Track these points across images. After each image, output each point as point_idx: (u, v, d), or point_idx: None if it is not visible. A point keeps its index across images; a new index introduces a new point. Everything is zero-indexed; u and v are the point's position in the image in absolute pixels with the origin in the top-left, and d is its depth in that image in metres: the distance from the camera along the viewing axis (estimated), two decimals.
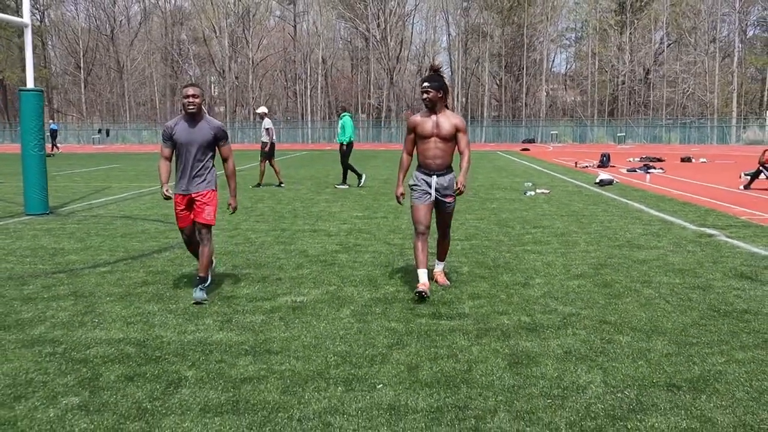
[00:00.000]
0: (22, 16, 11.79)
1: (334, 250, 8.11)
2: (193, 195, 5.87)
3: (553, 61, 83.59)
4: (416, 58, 77.36)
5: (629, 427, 3.41)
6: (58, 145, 46.15)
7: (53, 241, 8.94)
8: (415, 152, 6.12)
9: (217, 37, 74.08)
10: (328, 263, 7.37)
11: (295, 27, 76.24)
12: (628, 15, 67.65)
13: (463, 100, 72.74)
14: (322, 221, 10.56)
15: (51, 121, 54.08)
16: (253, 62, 71.23)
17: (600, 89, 71.87)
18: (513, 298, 5.87)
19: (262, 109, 17.05)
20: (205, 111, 5.93)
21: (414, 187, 5.98)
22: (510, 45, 72.12)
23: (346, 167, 16.45)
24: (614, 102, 71.26)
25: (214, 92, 79.30)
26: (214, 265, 6.38)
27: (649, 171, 21.53)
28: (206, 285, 5.89)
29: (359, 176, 16.47)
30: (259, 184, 16.68)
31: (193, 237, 6.04)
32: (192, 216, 5.93)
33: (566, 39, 79.46)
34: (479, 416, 3.54)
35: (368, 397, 3.76)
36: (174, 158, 5.96)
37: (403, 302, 5.76)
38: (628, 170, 22.55)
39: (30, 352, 4.56)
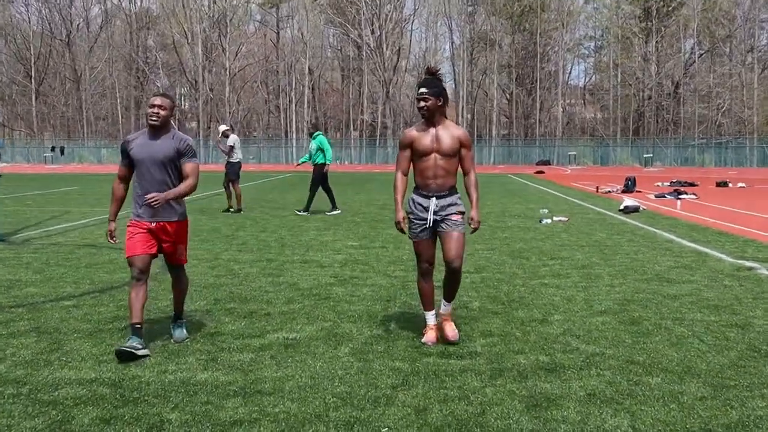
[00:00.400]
0: None
1: (328, 283, 8.27)
2: (155, 226, 5.62)
3: (570, 72, 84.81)
4: (415, 68, 78.24)
5: None
6: (1, 164, 46.27)
7: (8, 272, 9.06)
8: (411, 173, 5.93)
9: (189, 43, 74.79)
10: (322, 297, 7.52)
11: (278, 33, 77.12)
12: (654, 21, 68.72)
13: (469, 116, 73.42)
14: (313, 251, 10.72)
15: None
16: (230, 72, 71.82)
17: (623, 105, 72.70)
18: (530, 336, 6.02)
19: (224, 127, 17.80)
20: (175, 127, 5.81)
21: (411, 217, 5.83)
22: (521, 55, 73.05)
23: (328, 190, 16.78)
24: (639, 119, 72.04)
25: (185, 106, 79.91)
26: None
27: (680, 197, 21.81)
28: (183, 321, 6.03)
29: (308, 207, 16.71)
30: (239, 209, 16.91)
31: (146, 270, 5.61)
32: (150, 246, 5.60)
33: (584, 48, 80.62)
34: None
35: None
36: (134, 179, 5.73)
37: (408, 340, 5.91)
38: (656, 196, 22.84)
39: None
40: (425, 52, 77.64)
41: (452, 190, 5.75)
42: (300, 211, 16.61)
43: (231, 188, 17.15)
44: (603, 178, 35.87)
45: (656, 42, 68.73)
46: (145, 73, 77.86)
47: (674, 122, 70.00)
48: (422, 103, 5.64)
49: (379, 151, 68.98)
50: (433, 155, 5.66)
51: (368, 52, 71.02)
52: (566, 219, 15.17)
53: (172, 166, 5.59)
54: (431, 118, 5.67)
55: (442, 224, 5.71)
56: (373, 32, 71.38)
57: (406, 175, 5.90)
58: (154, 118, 5.55)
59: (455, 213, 5.71)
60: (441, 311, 5.97)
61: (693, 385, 4.84)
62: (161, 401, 4.53)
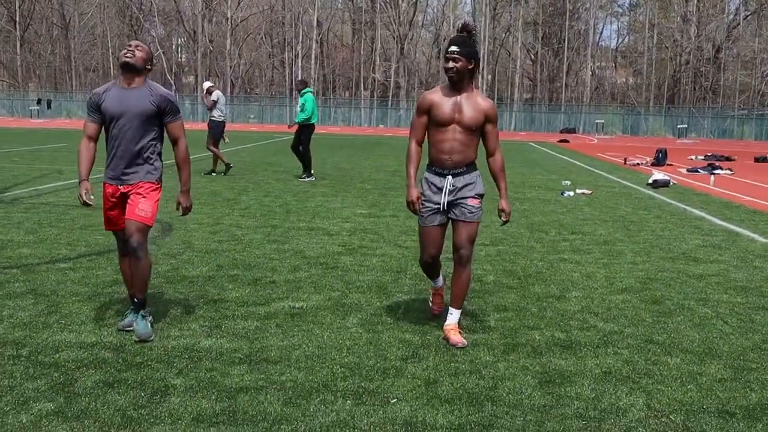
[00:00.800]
0: None
1: (336, 252, 8.52)
2: (126, 188, 5.39)
3: (601, 32, 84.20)
4: (432, 24, 78.00)
5: None
6: None
7: None
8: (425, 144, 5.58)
9: None
10: (330, 266, 7.77)
11: None
12: None
13: (489, 77, 73.19)
14: (319, 218, 10.96)
15: None
16: (231, 23, 71.69)
17: (658, 70, 72.35)
18: (545, 312, 6.26)
19: (208, 83, 18.17)
20: (148, 80, 5.44)
21: (422, 200, 5.51)
22: (549, 11, 72.63)
23: (307, 154, 16.80)
24: (675, 86, 71.74)
25: (182, 58, 79.91)
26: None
27: (714, 172, 21.93)
28: (148, 312, 5.47)
29: (309, 170, 16.78)
30: (212, 171, 17.17)
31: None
32: (126, 212, 5.39)
33: (618, 6, 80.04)
34: None
35: (381, 412, 4.15)
36: (106, 138, 5.47)
37: (418, 312, 6.15)
38: (688, 170, 22.95)
39: None
40: (444, 5, 77.25)
41: (471, 167, 5.43)
42: (304, 177, 16.75)
43: (211, 148, 17.40)
44: (632, 149, 35.93)
45: (697, 1, 68.19)
46: (139, 21, 77.76)
47: (713, 90, 69.69)
48: (451, 64, 5.25)
49: (391, 113, 68.96)
50: (452, 126, 5.31)
51: (382, 4, 70.69)
52: (590, 192, 15.35)
53: (151, 123, 5.36)
54: (459, 82, 5.29)
55: (455, 210, 5.43)
56: None
57: (420, 144, 5.54)
58: (129, 55, 5.25)
59: (472, 197, 5.41)
60: (446, 323, 5.52)
61: (713, 366, 5.07)
62: (165, 366, 4.79)
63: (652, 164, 24.73)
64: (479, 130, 5.39)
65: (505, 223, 5.62)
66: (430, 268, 5.75)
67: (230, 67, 71.42)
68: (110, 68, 76.98)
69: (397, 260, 8.17)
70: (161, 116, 5.38)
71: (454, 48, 5.24)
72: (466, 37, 5.33)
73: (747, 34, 69.71)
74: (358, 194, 14.16)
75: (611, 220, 11.65)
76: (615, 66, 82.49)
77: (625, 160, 26.49)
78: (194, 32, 74.00)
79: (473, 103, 5.32)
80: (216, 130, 17.58)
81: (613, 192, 15.84)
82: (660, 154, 25.64)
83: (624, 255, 8.83)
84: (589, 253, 8.91)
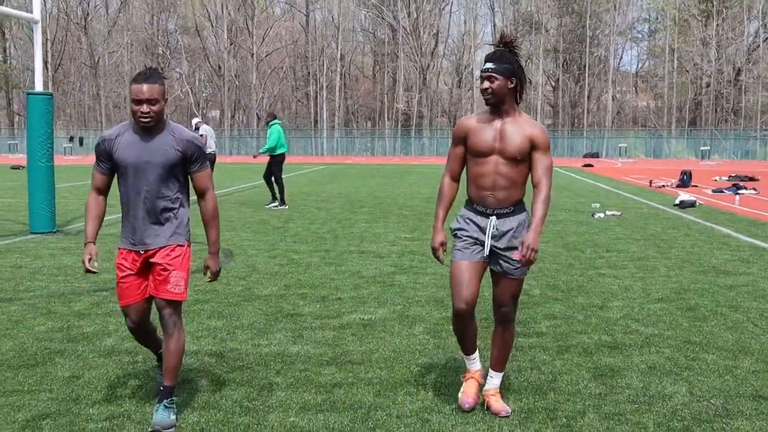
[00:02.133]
0: (31, 12, 13.12)
1: (390, 272, 9.22)
2: (149, 253, 4.56)
3: (621, 58, 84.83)
4: (453, 54, 79.04)
5: (715, 428, 4.44)
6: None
7: (76, 260, 10.11)
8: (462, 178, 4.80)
9: (213, 27, 76.16)
10: (387, 284, 8.47)
11: (307, 15, 78.23)
12: (714, 3, 68.83)
13: None
14: (367, 242, 11.67)
15: None
16: (256, 57, 73.10)
17: (679, 93, 72.86)
18: (591, 320, 6.91)
19: (196, 119, 19.48)
20: (169, 119, 4.60)
21: (457, 233, 4.69)
22: (569, 38, 73.50)
23: (280, 183, 17.55)
24: (697, 109, 72.19)
25: (206, 92, 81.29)
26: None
27: (738, 192, 22.46)
28: (173, 400, 4.54)
29: (282, 199, 17.40)
30: None
31: (145, 322, 4.76)
32: (146, 287, 4.62)
33: (638, 32, 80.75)
34: (570, 416, 4.59)
35: (458, 403, 4.82)
36: (120, 193, 4.60)
37: (477, 322, 6.82)
38: (713, 191, 23.49)
39: (110, 361, 5.68)
40: (463, 35, 78.34)
41: (518, 207, 4.60)
42: (274, 205, 17.36)
43: None
44: (656, 172, 36.44)
45: (717, 25, 68.82)
46: (165, 58, 79.43)
47: (734, 112, 70.07)
48: (486, 84, 4.46)
49: (414, 142, 69.84)
50: (493, 157, 4.50)
51: (404, 35, 71.87)
52: (619, 213, 15.97)
53: (175, 173, 4.53)
54: (498, 105, 4.49)
55: (497, 262, 4.62)
56: (409, 14, 72.23)
57: (456, 180, 4.77)
58: (146, 119, 4.37)
59: (518, 250, 4.49)
60: (486, 387, 4.81)
61: (746, 361, 5.71)
62: (264, 368, 5.50)
63: (678, 186, 25.29)
64: (526, 161, 4.50)
65: (526, 263, 4.42)
66: (464, 323, 4.66)
67: (256, 101, 72.71)
68: None
69: (447, 278, 8.85)
70: (186, 164, 4.55)
71: (489, 65, 4.46)
72: (503, 50, 4.49)
73: (767, 56, 70.11)
74: (397, 220, 14.86)
75: (642, 238, 12.27)
76: (636, 90, 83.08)
77: (651, 182, 27.05)
78: (219, 67, 75.48)
79: (518, 129, 4.47)
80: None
81: (641, 213, 16.45)
82: (685, 176, 26.19)
83: (658, 269, 9.46)
84: (625, 268, 9.55)
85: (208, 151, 18.49)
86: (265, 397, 4.92)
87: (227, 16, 74.01)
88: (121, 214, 4.64)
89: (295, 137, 71.18)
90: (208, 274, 4.81)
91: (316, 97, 74.50)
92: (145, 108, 4.31)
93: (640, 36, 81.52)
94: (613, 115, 74.31)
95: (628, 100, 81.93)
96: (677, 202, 18.08)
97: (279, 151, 17.71)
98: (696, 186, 25.43)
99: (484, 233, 4.57)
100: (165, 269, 4.52)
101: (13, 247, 11.23)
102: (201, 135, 18.36)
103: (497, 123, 4.52)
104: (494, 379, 4.83)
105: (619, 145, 65.09)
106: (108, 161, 4.53)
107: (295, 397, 4.91)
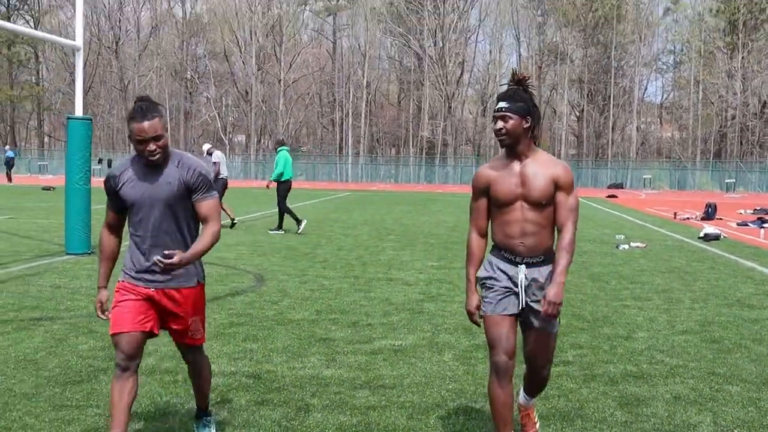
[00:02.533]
0: (74, 39, 13.53)
1: (418, 299, 9.41)
2: (155, 292, 4.27)
3: (646, 89, 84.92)
4: (478, 82, 79.45)
5: None
6: (12, 175, 48.83)
7: (111, 282, 10.37)
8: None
9: (242, 53, 77.11)
10: (416, 311, 8.66)
11: (334, 43, 79.05)
12: (740, 35, 68.85)
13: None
14: (395, 270, 11.88)
15: (7, 147, 57.05)
16: (283, 83, 73.87)
17: (704, 125, 72.74)
18: (617, 350, 7.06)
19: (207, 145, 19.85)
20: (173, 149, 4.37)
21: (486, 282, 4.35)
22: (594, 69, 73.70)
23: (284, 209, 17.87)
24: (722, 141, 72.01)
25: (230, 116, 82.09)
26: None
27: (764, 225, 22.46)
28: (212, 418, 4.82)
29: (298, 221, 17.69)
30: (232, 224, 18.39)
31: (137, 358, 4.22)
32: (147, 321, 4.25)
33: (662, 63, 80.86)
34: None
35: (490, 425, 4.99)
36: (128, 225, 4.40)
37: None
38: (738, 224, 23.50)
39: (152, 379, 5.91)
40: (488, 65, 78.77)
41: (549, 256, 4.34)
42: (273, 230, 17.73)
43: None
44: (681, 204, 36.42)
45: (742, 57, 68.79)
46: (194, 83, 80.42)
47: (760, 144, 69.81)
48: (500, 124, 4.23)
49: (439, 170, 70.12)
50: (518, 204, 4.25)
51: (430, 64, 72.41)
52: (644, 245, 16.07)
53: (183, 207, 4.29)
54: (514, 146, 4.26)
55: (530, 312, 4.31)
56: (435, 43, 72.80)
57: (483, 235, 4.46)
58: (154, 157, 4.17)
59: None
60: (520, 401, 4.76)
61: None
62: (300, 390, 5.70)
63: (702, 218, 25.31)
64: (552, 203, 4.27)
65: (548, 316, 4.15)
66: (504, 380, 4.22)
67: (283, 126, 73.40)
68: (168, 126, 79.29)
69: None
70: (191, 193, 4.27)
71: (502, 104, 4.23)
72: (517, 89, 4.29)
73: None
74: (424, 248, 15.06)
75: (667, 271, 12.39)
76: (660, 121, 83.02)
77: (675, 214, 27.09)
78: (246, 92, 76.31)
79: (539, 170, 4.23)
80: (218, 187, 18.50)
81: (666, 245, 16.55)
82: (710, 209, 26.20)
83: (682, 302, 9.58)
84: (650, 300, 9.68)
85: (221, 176, 18.76)
86: (302, 417, 5.11)
87: (256, 42, 74.92)
88: (129, 247, 4.35)
89: (321, 163, 71.72)
90: (160, 262, 4.00)
91: (342, 123, 75.07)
92: (151, 146, 4.11)
93: (664, 67, 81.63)
94: (637, 146, 74.27)
95: (652, 131, 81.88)
96: (702, 235, 18.14)
97: (285, 178, 17.98)
98: (721, 219, 25.44)
99: (515, 284, 4.27)
100: (183, 318, 4.36)
101: (50, 268, 11.54)
102: (214, 162, 18.63)
103: (516, 167, 4.26)
104: (528, 400, 4.75)
105: (644, 176, 65.01)
106: (116, 198, 4.30)
107: (331, 418, 5.10)
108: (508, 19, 76.77)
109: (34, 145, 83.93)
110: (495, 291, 4.27)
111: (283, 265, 12.14)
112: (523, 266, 4.27)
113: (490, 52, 79.50)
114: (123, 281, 4.29)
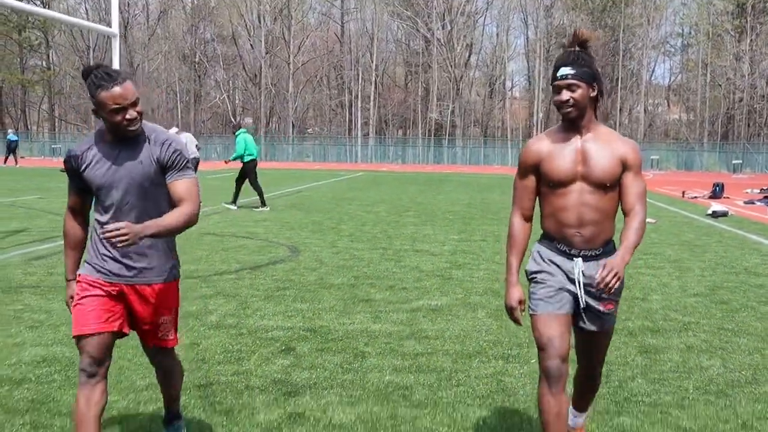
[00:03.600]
0: (110, 26, 14.18)
1: (446, 267, 10.10)
2: (126, 288, 3.75)
3: (653, 71, 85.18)
4: (485, 65, 79.83)
5: (745, 392, 5.27)
6: (18, 157, 49.46)
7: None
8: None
9: (250, 36, 77.61)
10: (446, 278, 9.35)
11: (342, 26, 79.46)
12: (748, 18, 69.10)
13: (542, 116, 74.67)
14: (419, 242, 12.56)
15: (10, 130, 57.76)
16: (292, 66, 74.39)
17: (711, 107, 73.12)
18: (633, 309, 7.75)
19: (174, 129, 20.67)
20: (147, 123, 3.81)
21: (537, 277, 3.84)
22: (602, 52, 73.97)
23: (258, 187, 18.67)
24: (729, 122, 72.42)
25: (240, 99, 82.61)
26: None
27: None
28: (182, 423, 4.32)
29: (262, 201, 18.43)
30: None
31: (105, 361, 3.68)
32: (114, 319, 3.71)
33: (670, 46, 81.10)
34: (621, 380, 5.44)
35: (526, 367, 5.69)
36: (93, 212, 3.88)
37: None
38: (745, 202, 24.12)
39: (219, 332, 6.60)
40: (495, 47, 79.11)
41: (608, 247, 3.82)
42: (228, 204, 18.48)
43: None
44: (688, 184, 37.00)
45: (750, 40, 69.04)
46: (203, 66, 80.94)
47: (767, 126, 70.21)
48: (566, 95, 3.63)
49: (447, 151, 70.65)
50: (576, 185, 3.70)
51: (438, 47, 72.83)
52: (654, 221, 16.71)
53: (157, 190, 3.74)
54: (578, 120, 3.69)
55: (585, 314, 3.86)
56: (443, 26, 73.20)
57: (529, 219, 3.92)
58: (135, 126, 3.65)
59: (608, 300, 3.83)
60: (570, 423, 4.17)
61: None
62: (353, 341, 6.40)
63: (710, 197, 25.92)
64: (617, 186, 3.73)
65: (605, 288, 3.47)
66: (557, 387, 3.69)
67: (293, 109, 73.99)
68: (177, 111, 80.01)
69: (499, 273, 9.71)
70: (165, 170, 3.73)
71: (566, 70, 3.62)
72: (579, 52, 3.68)
73: None
74: (443, 223, 15.74)
75: (677, 243, 13.05)
76: (668, 103, 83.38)
77: (683, 193, 27.71)
78: (255, 76, 76.85)
79: (604, 148, 3.70)
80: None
81: (675, 221, 17.20)
82: (717, 188, 26.82)
83: (692, 270, 10.25)
84: (662, 268, 10.35)
85: (191, 156, 19.35)
86: (360, 362, 5.81)
87: (264, 26, 75.39)
88: (90, 235, 3.88)
89: (330, 145, 72.29)
90: (118, 228, 3.36)
91: (351, 105, 75.61)
92: (131, 113, 3.57)
93: (673, 50, 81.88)
94: (645, 128, 74.69)
95: (660, 113, 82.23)
96: (710, 211, 18.77)
97: (250, 158, 18.78)
98: (728, 198, 26.04)
99: (571, 280, 3.75)
100: (153, 317, 3.82)
101: None
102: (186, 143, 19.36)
103: (576, 141, 3.70)
104: (578, 418, 4.29)
105: (651, 157, 65.46)
106: (79, 180, 3.75)
107: (385, 362, 5.80)
108: (515, 2, 77.04)
109: (46, 129, 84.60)
110: (548, 286, 3.74)
111: (313, 238, 12.83)
112: (580, 260, 3.73)
113: (497, 35, 79.84)
114: (85, 274, 3.75)
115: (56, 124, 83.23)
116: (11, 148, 48.23)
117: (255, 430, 4.46)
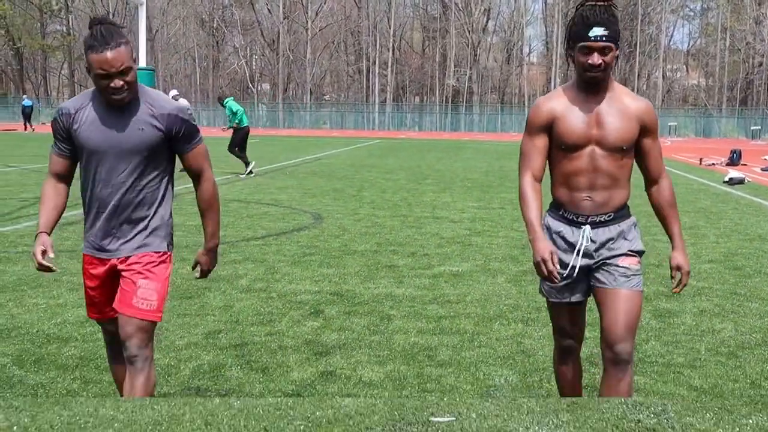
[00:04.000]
0: None
1: (465, 234, 10.34)
2: (118, 261, 3.55)
3: (672, 36, 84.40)
4: (503, 30, 79.38)
5: (755, 353, 5.50)
6: (33, 124, 49.90)
7: (182, 219, 11.37)
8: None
9: (268, 1, 77.43)
10: (466, 244, 9.60)
11: None
12: None
13: (560, 81, 74.32)
14: (439, 210, 12.80)
15: (25, 96, 58.20)
16: (310, 32, 74.25)
17: (731, 72, 72.53)
18: (648, 275, 7.96)
19: (174, 92, 20.79)
20: (142, 86, 3.52)
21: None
22: (620, 16, 73.33)
23: (234, 152, 19.00)
24: (748, 88, 71.86)
25: (257, 64, 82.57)
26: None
27: None
28: None
29: (247, 164, 18.85)
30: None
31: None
32: (116, 300, 3.54)
33: (689, 9, 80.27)
34: (636, 343, 5.67)
35: (545, 330, 5.94)
36: (81, 182, 3.59)
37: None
38: (762, 169, 24.15)
39: (250, 295, 6.89)
40: (512, 12, 78.59)
41: (621, 212, 3.67)
42: (243, 175, 18.58)
43: None
44: (706, 151, 36.95)
45: None
46: (221, 32, 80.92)
47: None
48: (598, 59, 3.35)
49: (464, 118, 70.56)
50: (589, 149, 3.50)
51: (456, 12, 72.44)
52: None
53: (156, 159, 3.50)
54: (602, 81, 3.45)
55: (600, 274, 3.59)
56: None
57: (540, 180, 3.64)
58: (120, 95, 3.34)
59: (625, 254, 3.61)
60: None
61: None
62: (379, 304, 6.66)
63: (727, 164, 25.95)
64: (632, 150, 3.56)
65: (681, 287, 3.80)
66: (568, 359, 3.86)
67: (310, 75, 73.97)
68: (196, 78, 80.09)
69: (518, 240, 9.94)
70: (173, 144, 3.52)
71: (599, 31, 3.32)
72: (608, 7, 3.37)
73: None
74: (462, 191, 15.95)
75: (693, 211, 13.22)
76: (686, 68, 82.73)
77: (701, 160, 27.74)
78: (273, 41, 76.79)
79: (620, 109, 3.49)
80: None
81: (692, 188, 17.33)
82: (734, 155, 26.82)
83: (707, 237, 10.45)
84: None
85: None
86: (386, 324, 6.08)
87: None
88: (83, 210, 3.63)
89: (347, 111, 72.34)
90: (196, 269, 3.78)
91: (368, 72, 75.50)
92: (117, 82, 3.27)
93: (692, 14, 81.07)
94: (663, 94, 74.24)
95: (678, 79, 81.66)
96: (726, 179, 18.88)
97: (242, 125, 18.99)
98: (745, 164, 26.06)
99: (576, 251, 3.57)
100: (132, 277, 3.48)
101: None
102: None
103: (591, 102, 3.47)
104: None
105: (669, 123, 65.12)
106: (68, 142, 3.49)
107: (410, 324, 6.07)
108: None
109: (66, 95, 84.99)
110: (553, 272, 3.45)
111: (335, 205, 13.09)
112: (587, 227, 3.56)
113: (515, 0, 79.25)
114: (87, 254, 3.65)
115: (76, 89, 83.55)
116: (26, 113, 48.68)
117: (290, 386, 4.74)
